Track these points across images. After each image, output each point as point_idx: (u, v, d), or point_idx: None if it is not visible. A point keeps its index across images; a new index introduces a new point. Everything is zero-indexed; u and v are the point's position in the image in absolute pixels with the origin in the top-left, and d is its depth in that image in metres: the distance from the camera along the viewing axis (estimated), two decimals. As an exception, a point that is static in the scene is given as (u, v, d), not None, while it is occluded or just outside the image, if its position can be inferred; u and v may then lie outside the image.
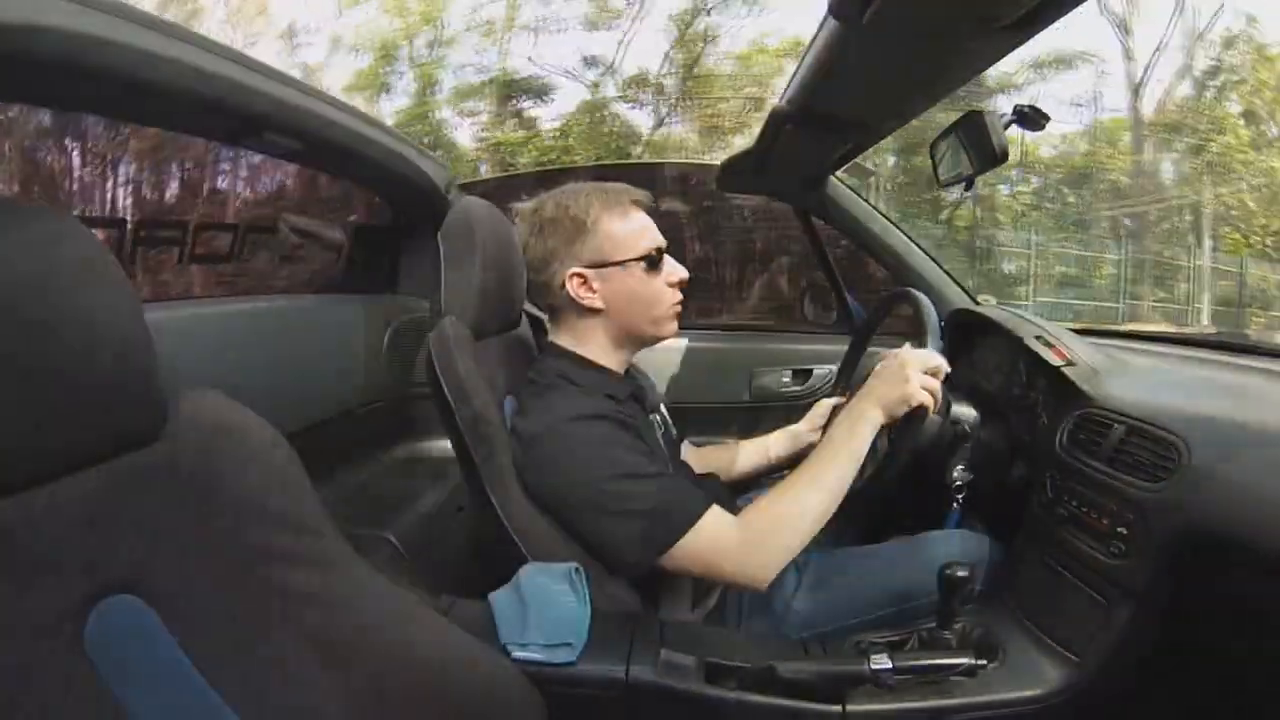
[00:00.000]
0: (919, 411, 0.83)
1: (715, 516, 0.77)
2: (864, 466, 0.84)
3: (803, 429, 1.15)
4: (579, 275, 0.86)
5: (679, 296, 0.90)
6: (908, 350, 0.88)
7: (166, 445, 0.43)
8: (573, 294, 0.86)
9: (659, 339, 0.91)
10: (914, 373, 0.83)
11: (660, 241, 0.88)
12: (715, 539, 0.76)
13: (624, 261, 0.85)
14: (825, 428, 1.16)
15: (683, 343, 1.61)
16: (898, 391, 0.82)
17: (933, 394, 0.84)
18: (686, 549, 0.74)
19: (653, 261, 0.87)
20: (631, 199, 0.87)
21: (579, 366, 0.87)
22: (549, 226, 0.86)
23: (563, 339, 0.90)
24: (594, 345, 0.89)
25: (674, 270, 0.89)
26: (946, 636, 0.76)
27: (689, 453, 1.15)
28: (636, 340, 0.91)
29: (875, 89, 0.91)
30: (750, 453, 1.16)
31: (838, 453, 0.80)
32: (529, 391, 0.85)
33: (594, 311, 0.87)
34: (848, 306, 1.62)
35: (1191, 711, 0.79)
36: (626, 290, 0.86)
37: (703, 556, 0.75)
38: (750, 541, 0.76)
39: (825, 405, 1.16)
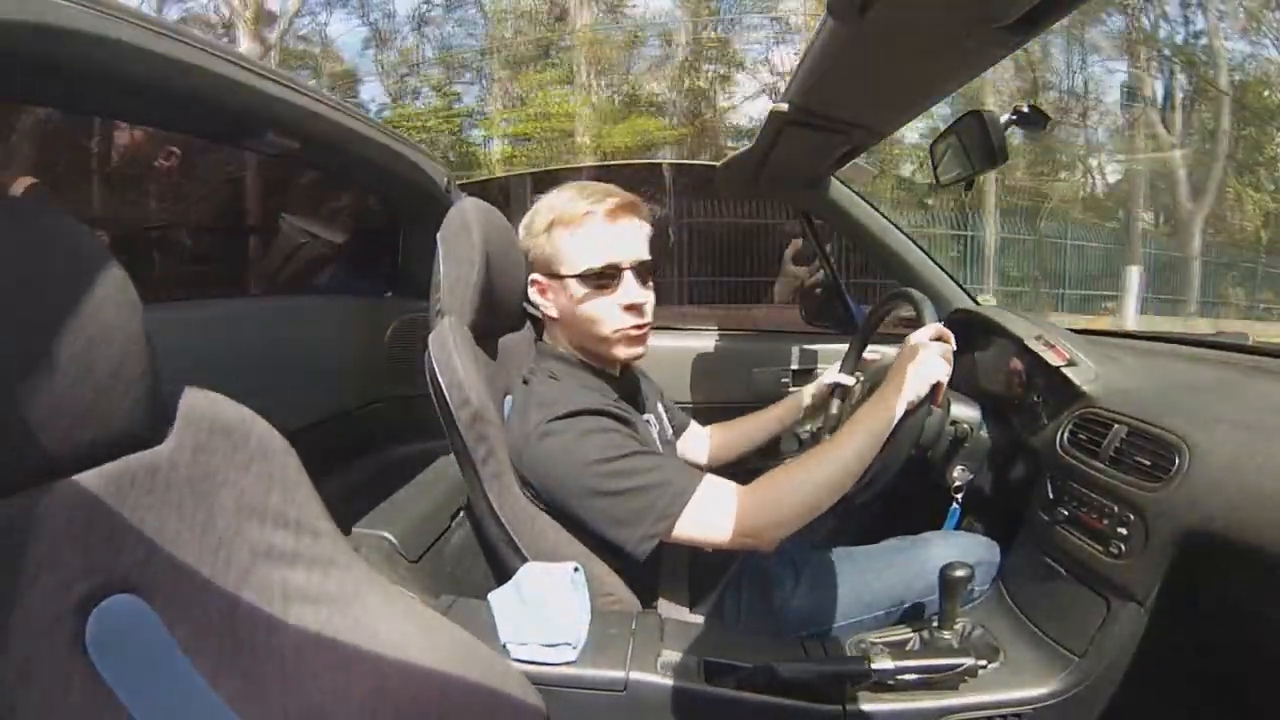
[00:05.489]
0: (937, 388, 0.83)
1: (717, 481, 0.77)
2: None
3: (806, 393, 1.16)
4: (536, 282, 0.88)
5: (632, 321, 0.84)
6: (912, 336, 0.88)
7: (166, 445, 0.43)
8: (535, 299, 0.88)
9: (614, 360, 0.88)
10: (926, 352, 0.83)
11: (616, 259, 0.82)
12: (722, 500, 0.76)
13: (564, 276, 0.84)
14: (830, 395, 1.17)
15: (683, 343, 1.61)
16: (916, 373, 0.82)
17: (946, 359, 0.84)
18: (694, 514, 0.74)
19: (595, 279, 0.82)
20: (585, 210, 0.82)
21: (570, 366, 0.87)
22: (524, 230, 0.89)
23: (554, 339, 0.91)
24: (575, 348, 0.90)
25: (626, 294, 0.83)
26: (946, 637, 0.76)
27: (699, 433, 1.18)
28: (591, 355, 0.88)
29: (875, 89, 0.91)
30: (776, 415, 1.17)
31: (856, 432, 0.80)
32: (524, 390, 0.85)
33: (554, 319, 0.89)
34: (848, 306, 1.62)
35: (1191, 712, 0.79)
36: (569, 304, 0.85)
37: (711, 519, 0.75)
38: (759, 501, 0.76)
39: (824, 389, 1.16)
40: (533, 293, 0.88)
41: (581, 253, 0.82)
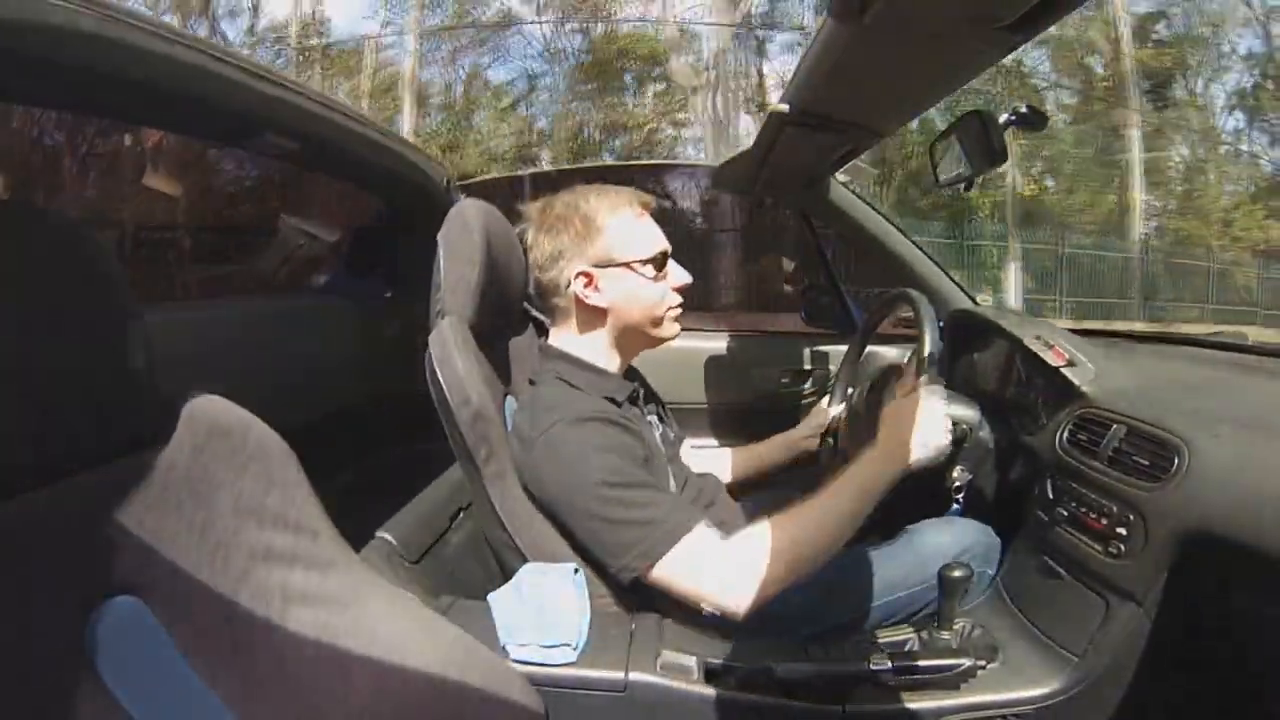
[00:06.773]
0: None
1: (706, 535, 0.75)
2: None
3: (798, 436, 1.14)
4: (586, 274, 0.86)
5: (680, 300, 0.91)
6: (925, 395, 0.87)
7: (165, 447, 0.43)
8: (579, 293, 0.86)
9: (659, 342, 0.92)
10: (924, 415, 0.85)
11: (665, 245, 0.89)
12: (702, 557, 0.74)
13: (631, 262, 0.86)
14: (824, 435, 1.15)
15: (683, 343, 1.60)
16: (916, 440, 0.83)
17: (946, 422, 0.87)
18: (673, 563, 0.73)
19: (658, 264, 0.88)
20: (640, 201, 0.89)
21: (578, 369, 0.87)
22: (558, 224, 0.87)
23: (563, 340, 0.90)
24: (595, 346, 0.89)
25: (678, 276, 0.90)
26: (946, 637, 0.76)
27: (716, 460, 1.15)
28: (637, 342, 0.92)
29: (875, 89, 0.91)
30: (742, 460, 1.16)
31: (850, 497, 0.79)
32: (528, 393, 0.85)
33: (598, 311, 0.88)
34: (847, 307, 1.62)
35: (1191, 712, 0.79)
36: (631, 291, 0.87)
37: (687, 575, 0.74)
38: (737, 567, 0.74)
39: (823, 412, 1.15)
40: (579, 285, 0.86)
41: (646, 239, 0.88)
